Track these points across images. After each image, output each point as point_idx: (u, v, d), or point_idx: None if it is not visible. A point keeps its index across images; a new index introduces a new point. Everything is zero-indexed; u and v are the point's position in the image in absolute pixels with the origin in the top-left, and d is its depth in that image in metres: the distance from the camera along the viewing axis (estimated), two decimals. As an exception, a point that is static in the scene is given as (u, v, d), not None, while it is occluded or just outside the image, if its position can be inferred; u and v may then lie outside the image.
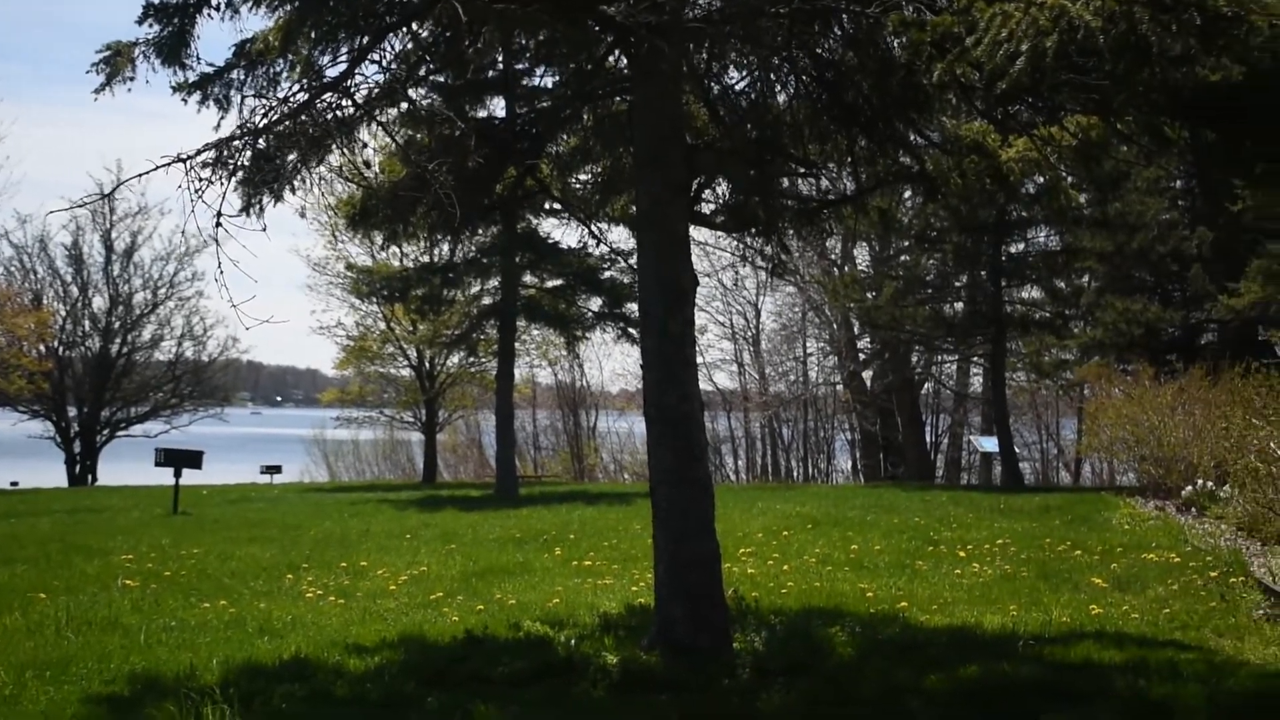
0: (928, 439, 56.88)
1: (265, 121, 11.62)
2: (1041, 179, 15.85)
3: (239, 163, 11.63)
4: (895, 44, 12.16)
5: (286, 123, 11.69)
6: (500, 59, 17.04)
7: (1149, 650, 13.14)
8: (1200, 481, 26.28)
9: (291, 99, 11.72)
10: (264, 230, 11.93)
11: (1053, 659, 12.90)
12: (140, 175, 11.61)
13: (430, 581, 18.59)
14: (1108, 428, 33.86)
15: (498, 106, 19.30)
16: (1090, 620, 14.77)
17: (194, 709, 9.91)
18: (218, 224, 11.19)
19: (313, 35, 11.57)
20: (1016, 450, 45.72)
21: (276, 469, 49.52)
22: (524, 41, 14.85)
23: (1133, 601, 15.94)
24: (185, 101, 11.82)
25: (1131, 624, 14.63)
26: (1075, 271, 44.73)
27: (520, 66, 17.23)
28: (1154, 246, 39.70)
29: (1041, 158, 13.84)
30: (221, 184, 11.45)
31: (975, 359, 50.15)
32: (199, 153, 11.31)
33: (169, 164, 11.03)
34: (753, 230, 15.95)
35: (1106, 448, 36.61)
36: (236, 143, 11.52)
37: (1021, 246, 44.15)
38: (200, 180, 11.22)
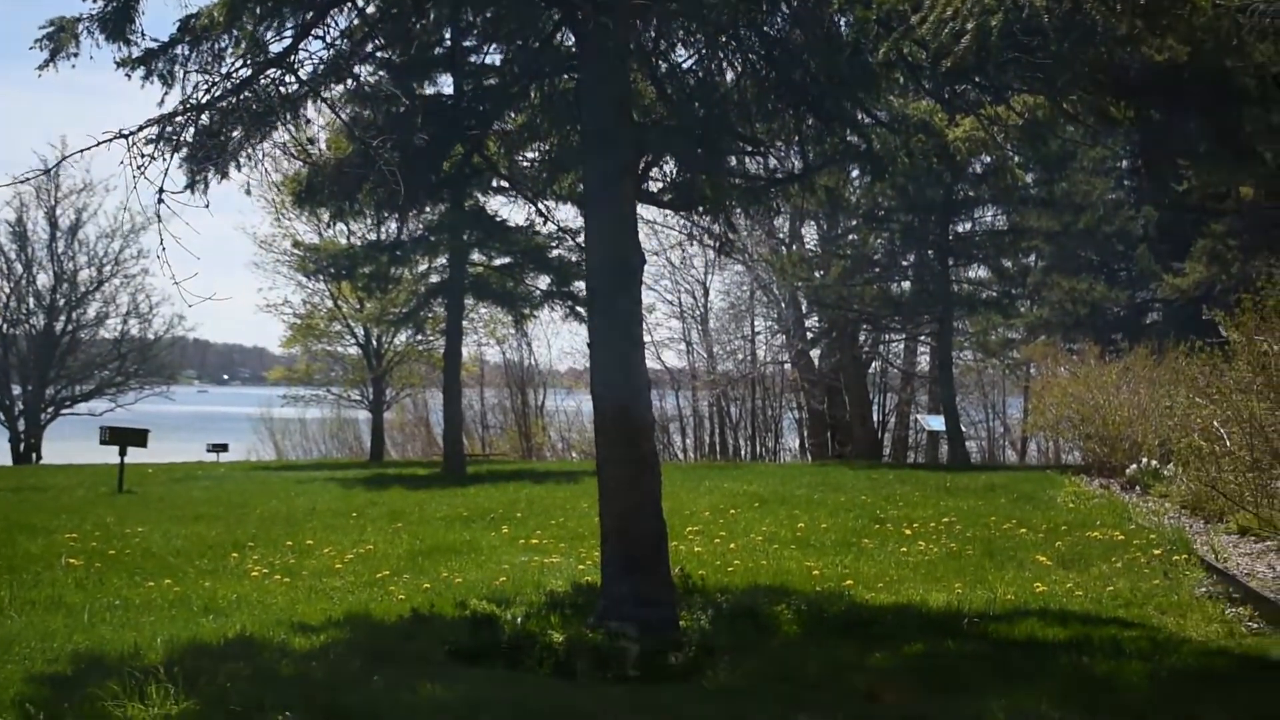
0: (875, 418, 57.06)
1: (208, 98, 11.55)
2: (988, 158, 15.93)
3: (182, 139, 11.55)
4: (842, 22, 12.17)
5: (230, 99, 11.62)
6: (448, 36, 16.95)
7: (1092, 628, 13.23)
8: (1144, 460, 26.47)
9: (235, 75, 11.65)
10: (207, 207, 11.85)
11: (997, 636, 12.97)
12: (83, 151, 11.52)
13: (377, 560, 18.55)
14: (1053, 406, 34.05)
15: (445, 83, 19.24)
16: (1035, 598, 14.85)
17: (138, 688, 9.85)
18: (160, 200, 11.11)
19: (257, 10, 11.49)
20: (963, 429, 45.93)
21: (223, 447, 49.32)
22: (471, 18, 14.78)
23: (1077, 579, 16.05)
24: (129, 77, 11.73)
25: (1075, 601, 14.73)
26: (1022, 251, 44.97)
27: (468, 43, 17.16)
28: (1100, 226, 39.94)
29: (988, 137, 13.89)
30: (164, 160, 11.37)
31: (922, 338, 50.36)
32: (141, 129, 11.22)
33: (111, 139, 10.94)
34: (700, 209, 15.96)
35: (1052, 426, 36.82)
36: (180, 119, 11.44)
37: (969, 226, 44.33)
38: (143, 156, 11.13)
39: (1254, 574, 16.15)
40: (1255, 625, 13.64)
